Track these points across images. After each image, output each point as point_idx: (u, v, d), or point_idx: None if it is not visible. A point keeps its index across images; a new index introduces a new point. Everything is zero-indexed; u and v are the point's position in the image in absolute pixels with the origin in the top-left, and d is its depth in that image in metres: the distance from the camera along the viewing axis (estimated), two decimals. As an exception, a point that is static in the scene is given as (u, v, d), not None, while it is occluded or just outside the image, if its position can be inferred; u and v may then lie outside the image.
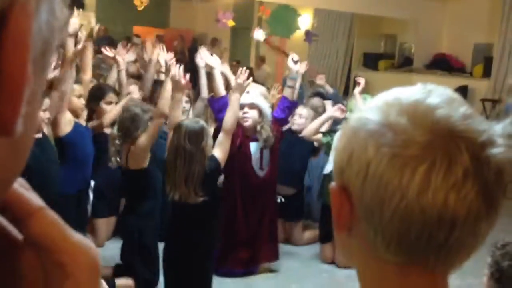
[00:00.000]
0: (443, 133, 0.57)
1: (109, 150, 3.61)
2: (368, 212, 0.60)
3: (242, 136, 3.98)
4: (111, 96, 4.26)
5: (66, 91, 3.63)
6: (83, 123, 4.08)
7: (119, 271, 3.72)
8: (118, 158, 3.58)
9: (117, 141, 3.55)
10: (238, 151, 3.89)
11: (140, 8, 9.31)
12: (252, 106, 3.93)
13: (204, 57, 4.13)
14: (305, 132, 4.43)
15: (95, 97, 4.19)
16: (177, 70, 3.42)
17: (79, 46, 3.75)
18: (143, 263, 3.57)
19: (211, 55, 4.27)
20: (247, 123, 3.95)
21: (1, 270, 0.36)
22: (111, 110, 4.16)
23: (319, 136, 4.44)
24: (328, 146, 4.35)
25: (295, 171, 4.72)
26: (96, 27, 4.34)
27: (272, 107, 4.43)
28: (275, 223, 4.36)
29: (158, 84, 4.94)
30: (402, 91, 0.63)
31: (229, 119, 3.44)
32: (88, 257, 0.36)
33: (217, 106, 3.89)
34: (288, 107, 4.15)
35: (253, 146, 4.03)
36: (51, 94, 3.61)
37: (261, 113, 3.97)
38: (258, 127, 3.96)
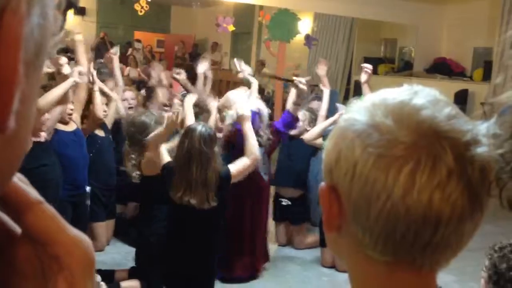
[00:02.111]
0: (428, 133, 0.58)
1: (125, 166, 3.62)
2: (356, 212, 0.61)
3: None
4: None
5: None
6: (72, 127, 4.00)
7: (133, 273, 3.72)
8: (137, 172, 3.56)
9: (132, 156, 3.55)
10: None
11: (140, 13, 9.35)
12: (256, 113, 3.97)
13: (240, 67, 4.19)
14: (307, 137, 4.46)
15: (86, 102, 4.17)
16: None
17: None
18: (156, 268, 3.55)
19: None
20: None
21: None
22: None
23: (320, 141, 4.46)
24: None
25: (298, 172, 4.76)
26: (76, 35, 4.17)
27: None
28: (267, 225, 4.43)
29: (150, 90, 5.01)
30: (389, 92, 0.64)
31: (253, 147, 3.29)
32: (83, 250, 0.37)
33: None
34: (290, 122, 4.31)
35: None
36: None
37: (261, 117, 4.00)
38: (260, 131, 3.99)
